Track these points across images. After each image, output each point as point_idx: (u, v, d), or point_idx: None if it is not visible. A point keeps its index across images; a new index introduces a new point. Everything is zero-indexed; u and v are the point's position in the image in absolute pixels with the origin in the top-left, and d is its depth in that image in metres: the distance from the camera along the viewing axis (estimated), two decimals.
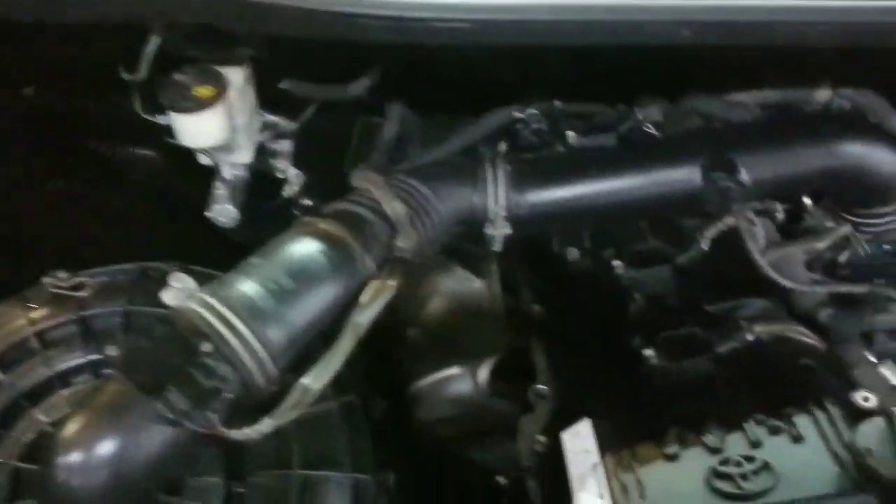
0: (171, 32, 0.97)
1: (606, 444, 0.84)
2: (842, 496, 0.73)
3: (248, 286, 0.75)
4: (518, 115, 1.08)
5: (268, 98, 1.15)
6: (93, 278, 0.97)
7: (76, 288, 0.95)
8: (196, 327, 0.71)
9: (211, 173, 1.16)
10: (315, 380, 0.75)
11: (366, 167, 1.14)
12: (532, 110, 1.08)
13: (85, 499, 0.68)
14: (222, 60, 1.04)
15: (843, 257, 1.00)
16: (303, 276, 0.77)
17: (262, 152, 1.19)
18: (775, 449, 0.78)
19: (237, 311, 0.72)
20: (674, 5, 0.85)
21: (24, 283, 1.07)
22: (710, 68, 1.03)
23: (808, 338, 0.91)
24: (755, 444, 0.79)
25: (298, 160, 1.21)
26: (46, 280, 0.98)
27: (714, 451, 0.79)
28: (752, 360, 0.91)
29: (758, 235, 0.98)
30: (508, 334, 1.12)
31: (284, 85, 1.10)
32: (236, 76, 1.04)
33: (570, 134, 1.06)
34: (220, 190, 1.10)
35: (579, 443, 0.84)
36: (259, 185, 1.22)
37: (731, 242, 0.95)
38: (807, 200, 1.04)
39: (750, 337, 0.91)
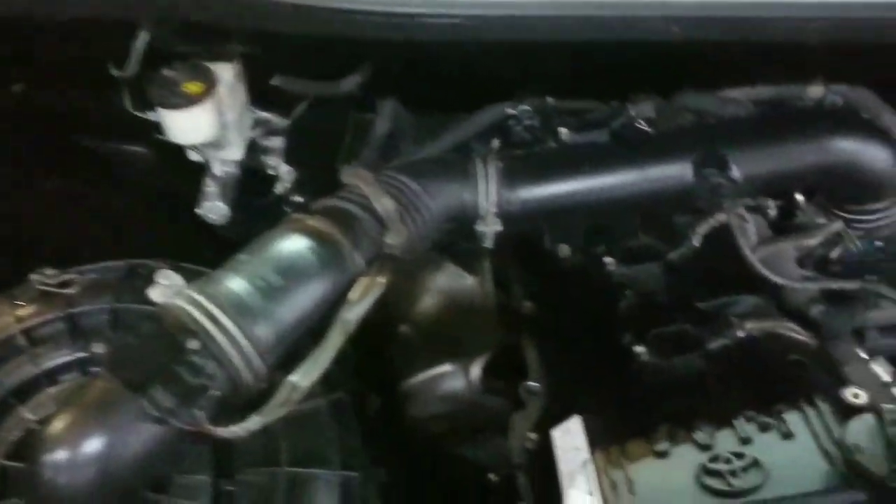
0: (161, 28, 0.97)
1: (597, 440, 0.84)
2: (831, 493, 0.74)
3: (236, 283, 0.74)
4: (510, 111, 1.08)
5: (260, 94, 1.15)
6: (81, 275, 0.97)
7: (64, 285, 0.95)
8: (183, 324, 0.71)
9: (202, 170, 1.16)
10: (303, 377, 0.74)
11: (358, 164, 1.15)
12: (524, 107, 1.08)
13: (71, 497, 0.67)
14: (212, 56, 1.04)
15: (834, 254, 1.00)
16: (291, 273, 0.77)
17: (254, 149, 1.19)
18: (765, 446, 0.78)
19: (225, 308, 0.72)
20: (663, 1, 0.85)
21: (17, 281, 1.06)
22: (702, 65, 1.03)
23: (798, 334, 0.91)
24: (745, 441, 0.79)
25: (290, 157, 1.21)
26: (34, 277, 0.98)
27: (704, 447, 0.79)
28: (743, 357, 0.90)
29: (749, 232, 0.98)
30: (501, 331, 1.12)
31: (276, 81, 1.10)
32: (226, 72, 1.03)
33: (563, 130, 1.07)
34: (210, 187, 1.10)
35: (569, 440, 0.84)
36: (251, 182, 1.22)
37: (723, 239, 0.95)
38: (799, 197, 1.04)
39: (741, 333, 0.91)
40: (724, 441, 0.79)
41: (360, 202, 0.86)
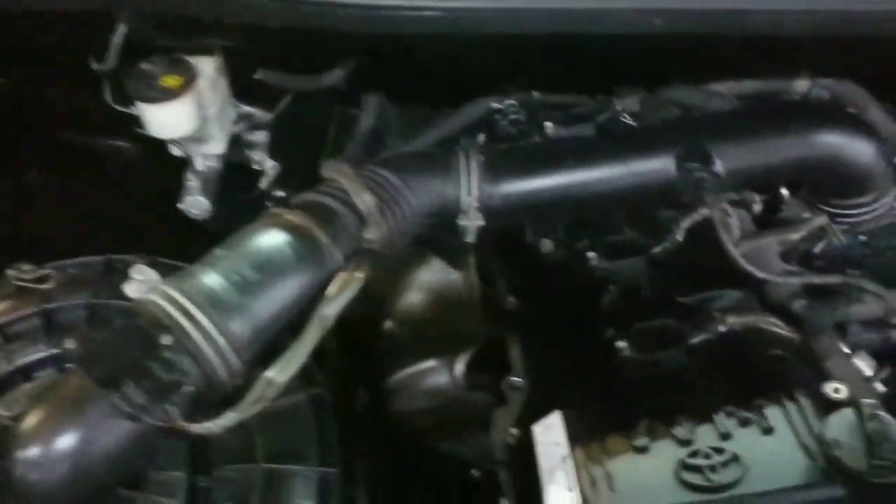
0: (140, 21, 0.96)
1: (578, 436, 0.84)
2: (810, 488, 0.73)
3: (211, 278, 0.74)
4: (496, 105, 1.08)
5: (243, 89, 1.15)
6: (58, 271, 0.96)
7: (40, 280, 0.94)
8: (157, 320, 0.70)
9: (185, 165, 1.16)
10: (279, 373, 0.74)
11: (342, 159, 1.14)
12: (510, 101, 1.08)
13: (44, 493, 0.67)
14: (193, 50, 1.03)
15: (818, 248, 1.00)
16: (268, 268, 0.76)
17: (238, 143, 1.18)
18: (745, 441, 0.78)
19: (199, 303, 0.71)
20: None
21: None
22: (687, 58, 1.03)
23: (780, 329, 0.91)
24: (725, 436, 0.79)
25: (275, 151, 1.20)
26: (10, 272, 0.97)
27: (684, 443, 0.79)
28: (725, 352, 0.90)
29: (732, 226, 0.98)
30: (486, 326, 1.12)
31: (259, 75, 1.10)
32: (207, 66, 1.02)
33: (548, 125, 1.06)
34: (191, 181, 1.09)
35: (550, 435, 0.84)
36: (236, 177, 1.21)
37: (706, 233, 0.94)
38: (784, 191, 1.04)
39: (722, 328, 0.91)
40: (704, 436, 0.79)
41: (340, 197, 0.85)
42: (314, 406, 0.89)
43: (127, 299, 0.74)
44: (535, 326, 1.03)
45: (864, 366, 0.91)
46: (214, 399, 0.74)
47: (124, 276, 0.75)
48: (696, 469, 0.76)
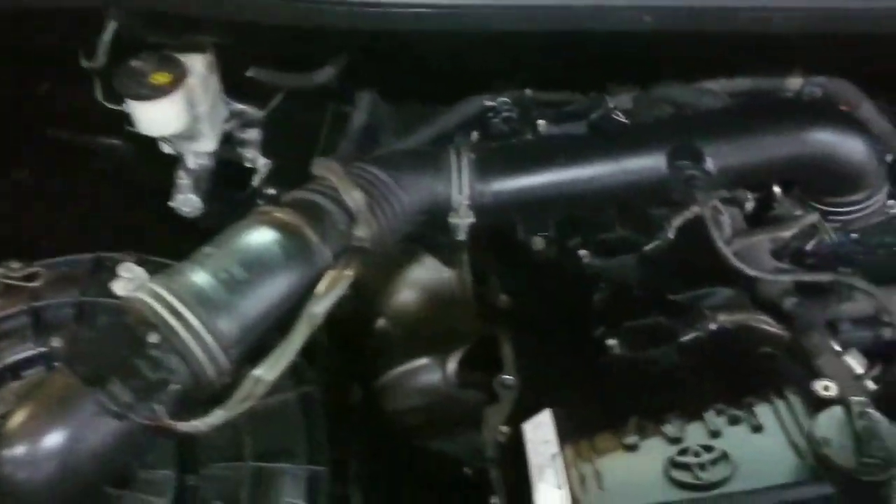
0: (130, 18, 0.96)
1: (569, 434, 0.84)
2: (798, 486, 0.73)
3: (199, 276, 0.74)
4: (489, 103, 1.08)
5: (235, 86, 1.14)
6: (47, 269, 0.95)
7: (29, 278, 0.94)
8: (144, 318, 0.70)
9: (176, 162, 1.15)
10: (268, 371, 0.74)
11: (335, 156, 1.14)
12: (503, 98, 1.07)
13: (31, 492, 0.67)
14: (183, 47, 1.03)
15: (810, 246, 1.00)
16: (256, 266, 0.76)
17: (231, 141, 1.18)
18: (734, 438, 0.78)
19: (186, 301, 0.71)
20: None
21: None
22: (680, 56, 1.03)
23: (771, 326, 0.91)
24: (714, 434, 0.78)
25: (267, 149, 1.20)
26: None
27: (673, 440, 0.78)
28: (715, 350, 0.90)
29: (724, 224, 0.98)
30: (479, 324, 1.12)
31: (251, 73, 1.10)
32: (198, 63, 1.02)
33: (541, 122, 1.06)
34: (183, 179, 1.09)
35: (540, 433, 0.84)
36: (230, 175, 1.21)
37: (698, 231, 0.94)
38: (777, 189, 1.04)
39: (713, 326, 0.91)
40: (694, 434, 0.79)
41: (330, 194, 0.85)
42: (303, 404, 0.89)
43: (116, 297, 0.74)
44: (527, 324, 1.03)
45: (855, 363, 0.91)
46: (202, 397, 0.74)
47: (113, 274, 0.74)
48: (686, 467, 0.76)
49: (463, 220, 0.91)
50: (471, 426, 1.04)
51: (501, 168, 0.93)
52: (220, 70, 1.10)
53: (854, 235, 1.00)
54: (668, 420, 0.80)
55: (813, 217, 0.99)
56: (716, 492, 0.74)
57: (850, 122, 0.97)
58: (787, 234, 0.98)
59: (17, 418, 0.67)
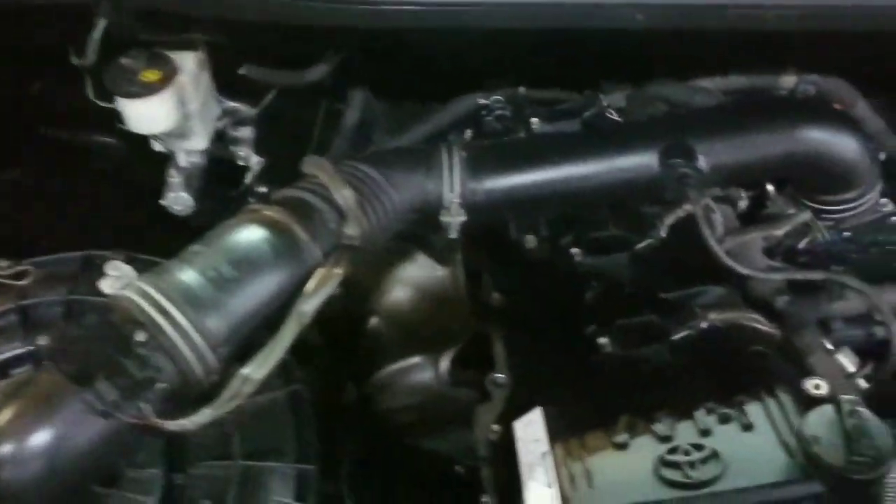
0: (120, 15, 0.95)
1: (560, 432, 0.83)
2: (787, 484, 0.73)
3: (187, 274, 0.73)
4: (483, 101, 1.08)
5: (228, 84, 1.14)
6: (36, 267, 0.95)
7: (17, 276, 0.93)
8: (131, 316, 0.70)
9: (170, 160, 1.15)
10: (256, 369, 0.73)
11: (329, 154, 1.13)
12: (496, 97, 1.07)
13: (18, 491, 0.66)
14: (175, 45, 1.02)
15: (802, 244, 1.00)
16: (245, 265, 0.76)
17: (224, 139, 1.18)
18: (725, 437, 0.78)
19: (174, 299, 0.71)
20: None
21: None
22: (674, 54, 1.03)
23: (763, 325, 0.90)
24: (705, 433, 0.78)
25: (260, 147, 1.19)
26: None
27: (663, 439, 0.78)
28: (706, 348, 0.90)
29: (716, 222, 0.97)
30: (472, 322, 1.12)
31: (243, 71, 1.09)
32: (189, 61, 1.02)
33: (534, 120, 1.06)
34: (174, 178, 1.09)
35: (530, 432, 0.83)
36: (223, 173, 1.21)
37: (690, 229, 0.94)
38: (770, 187, 1.04)
39: (704, 324, 0.90)
40: (684, 433, 0.78)
41: (320, 192, 0.85)
42: (292, 403, 0.89)
43: (104, 296, 0.73)
44: (519, 322, 1.03)
45: (847, 362, 0.91)
46: (191, 396, 0.73)
47: (103, 273, 0.74)
48: (675, 466, 0.76)
49: (454, 219, 0.91)
50: (463, 425, 1.04)
51: (493, 166, 0.92)
52: (213, 68, 1.10)
53: (847, 234, 1.00)
54: (658, 418, 0.80)
55: (805, 215, 0.98)
56: (705, 490, 0.74)
57: (843, 121, 0.97)
58: (779, 232, 0.98)
59: (4, 417, 0.67)
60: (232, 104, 1.14)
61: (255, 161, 1.18)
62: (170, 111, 0.98)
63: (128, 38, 0.99)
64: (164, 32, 1.00)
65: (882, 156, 1.00)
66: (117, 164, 1.31)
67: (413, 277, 1.15)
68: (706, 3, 0.84)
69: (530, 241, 1.04)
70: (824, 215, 0.99)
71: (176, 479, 0.82)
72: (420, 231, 1.07)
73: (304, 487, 0.83)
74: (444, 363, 1.14)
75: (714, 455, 0.76)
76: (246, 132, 1.16)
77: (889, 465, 0.72)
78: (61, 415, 0.66)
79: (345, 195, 0.84)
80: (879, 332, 0.95)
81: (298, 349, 0.84)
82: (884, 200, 0.99)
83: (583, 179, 0.92)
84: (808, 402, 0.78)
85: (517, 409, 0.88)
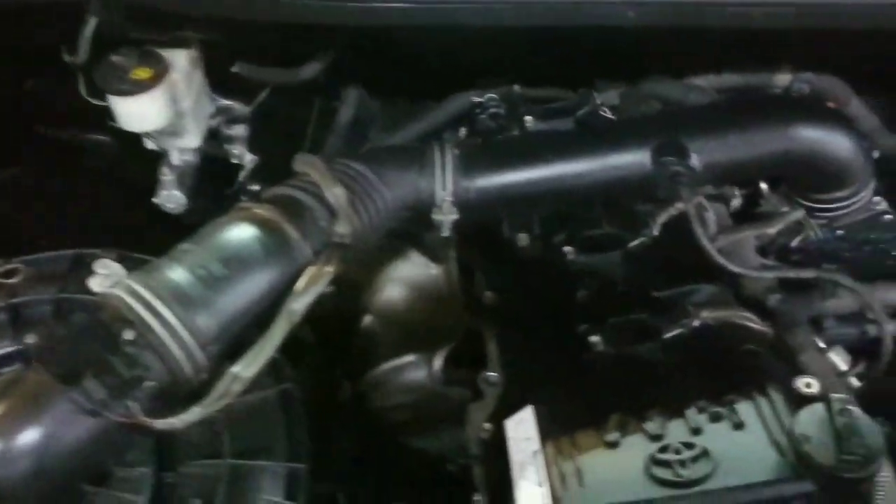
0: (109, 13, 0.95)
1: (552, 431, 0.83)
2: (778, 483, 0.73)
3: (176, 272, 0.73)
4: (477, 99, 1.07)
5: (222, 82, 1.14)
6: (26, 265, 0.95)
7: (7, 275, 0.93)
8: (120, 314, 0.69)
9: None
10: (246, 368, 0.73)
11: (323, 152, 1.13)
12: (491, 95, 1.07)
13: (6, 490, 0.66)
14: (167, 42, 1.02)
15: (795, 242, 1.00)
16: (235, 263, 0.75)
17: (217, 137, 1.18)
18: (716, 436, 0.78)
19: (163, 297, 0.71)
20: None
21: None
22: (669, 52, 1.02)
23: (755, 323, 0.90)
24: (696, 431, 0.78)
25: (254, 145, 1.19)
26: None
27: (654, 438, 0.78)
28: (698, 347, 0.90)
29: (709, 220, 0.97)
30: (466, 320, 1.11)
31: (236, 69, 1.09)
32: (181, 58, 1.02)
33: (528, 119, 1.06)
34: (166, 176, 1.08)
35: (522, 430, 0.83)
36: (218, 171, 1.21)
37: (682, 228, 0.94)
38: (763, 185, 1.04)
39: (696, 323, 0.90)
40: (675, 431, 0.78)
41: (311, 190, 0.84)
42: (283, 402, 0.89)
43: (94, 294, 0.73)
44: (512, 321, 1.02)
45: (840, 360, 0.92)
46: (180, 394, 0.73)
47: (93, 271, 0.74)
48: (666, 464, 0.76)
49: (446, 217, 0.91)
50: (456, 423, 1.04)
51: (486, 164, 0.92)
52: (206, 66, 1.10)
53: (840, 232, 1.00)
54: (649, 417, 0.80)
55: (798, 213, 0.98)
56: (696, 489, 0.74)
57: (836, 119, 0.97)
58: (772, 230, 0.97)
59: None
60: (226, 102, 1.14)
61: (248, 159, 1.18)
62: (161, 109, 0.97)
63: (120, 36, 0.99)
64: (156, 30, 1.00)
65: (876, 154, 1.00)
66: (112, 163, 1.31)
67: (407, 276, 1.15)
68: (696, 1, 0.84)
69: (523, 239, 1.04)
70: (818, 213, 0.99)
71: (166, 477, 0.82)
72: (413, 229, 1.07)
73: (295, 486, 0.83)
74: (438, 362, 1.13)
75: (705, 454, 0.76)
76: (240, 130, 1.16)
77: (879, 464, 0.72)
78: (49, 414, 0.66)
79: (336, 193, 0.84)
80: (872, 330, 0.95)
81: (291, 348, 0.84)
82: (877, 199, 0.99)
83: (575, 177, 0.92)
84: (799, 401, 0.78)
85: (510, 407, 0.88)
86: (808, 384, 0.79)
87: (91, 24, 0.94)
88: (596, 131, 0.99)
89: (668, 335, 0.91)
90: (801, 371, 0.83)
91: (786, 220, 0.97)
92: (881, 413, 0.78)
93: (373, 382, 1.15)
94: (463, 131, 1.08)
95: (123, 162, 1.29)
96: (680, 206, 0.93)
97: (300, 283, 0.79)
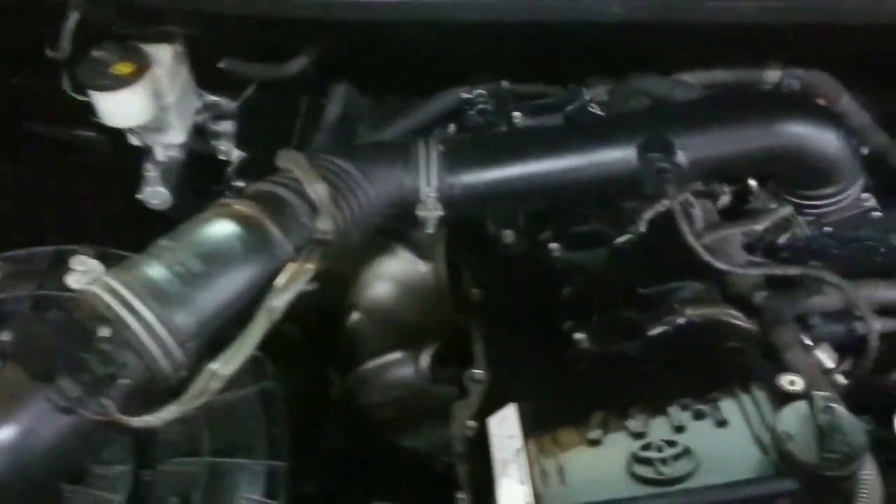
0: (92, 8, 0.94)
1: (536, 429, 0.83)
2: (760, 481, 0.72)
3: (154, 269, 0.73)
4: (466, 96, 1.07)
5: (210, 78, 1.13)
6: (5, 262, 0.94)
7: None
8: (96, 311, 0.69)
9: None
10: (224, 365, 0.72)
11: (311, 148, 1.13)
12: (479, 91, 1.06)
13: None
14: (150, 37, 1.01)
15: (783, 239, 0.99)
16: (213, 260, 0.75)
17: (204, 133, 1.17)
18: (698, 433, 0.77)
19: (140, 294, 0.70)
20: None
21: None
22: (659, 48, 1.02)
23: (740, 321, 0.90)
24: (678, 429, 0.77)
25: (242, 141, 1.18)
26: None
27: (637, 435, 0.78)
28: (683, 344, 0.89)
29: (695, 217, 0.97)
30: (454, 318, 1.11)
31: (223, 64, 1.08)
32: (165, 54, 1.01)
33: (517, 115, 1.05)
34: (150, 172, 1.07)
35: (505, 428, 0.83)
36: (205, 167, 1.20)
37: (669, 224, 0.93)
38: (752, 182, 1.03)
39: (681, 320, 0.90)
40: (658, 429, 0.78)
41: (293, 186, 0.84)
42: (263, 399, 0.88)
43: (74, 291, 0.73)
44: (498, 318, 1.02)
45: (826, 358, 0.91)
46: (159, 391, 0.73)
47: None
48: (648, 462, 0.75)
49: (431, 213, 0.90)
50: (443, 421, 1.04)
51: (471, 160, 0.91)
52: (192, 61, 1.09)
53: (828, 229, 1.00)
54: (632, 415, 0.79)
55: (785, 210, 0.98)
56: (678, 487, 0.74)
57: (824, 115, 0.96)
58: (758, 227, 0.97)
59: None
60: (212, 98, 1.13)
61: (235, 155, 1.17)
62: (143, 104, 0.96)
63: (103, 31, 0.99)
64: (140, 25, 1.00)
65: (865, 150, 1.00)
66: (98, 159, 1.30)
67: (395, 272, 1.14)
68: None
69: (508, 235, 1.03)
70: (806, 210, 0.98)
71: (144, 475, 0.82)
72: (399, 226, 1.06)
73: (275, 484, 0.82)
74: (425, 359, 1.13)
75: (687, 451, 0.75)
76: (227, 126, 1.15)
77: (861, 462, 0.72)
78: (24, 412, 0.65)
79: (317, 189, 0.83)
80: (860, 327, 0.95)
81: (278, 345, 0.84)
82: (865, 195, 0.98)
83: (561, 174, 0.92)
84: (782, 399, 0.77)
85: (495, 404, 0.88)
86: (791, 382, 0.78)
87: (73, 18, 0.93)
88: (582, 127, 0.99)
89: (653, 332, 0.90)
90: (787, 369, 0.82)
91: (773, 216, 0.97)
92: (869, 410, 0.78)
93: (359, 379, 1.15)
94: (452, 127, 1.08)
95: (109, 158, 1.28)
96: (666, 202, 0.92)
97: (280, 280, 0.78)
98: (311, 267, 0.80)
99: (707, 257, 0.88)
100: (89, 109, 1.05)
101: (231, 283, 0.75)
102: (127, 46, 0.96)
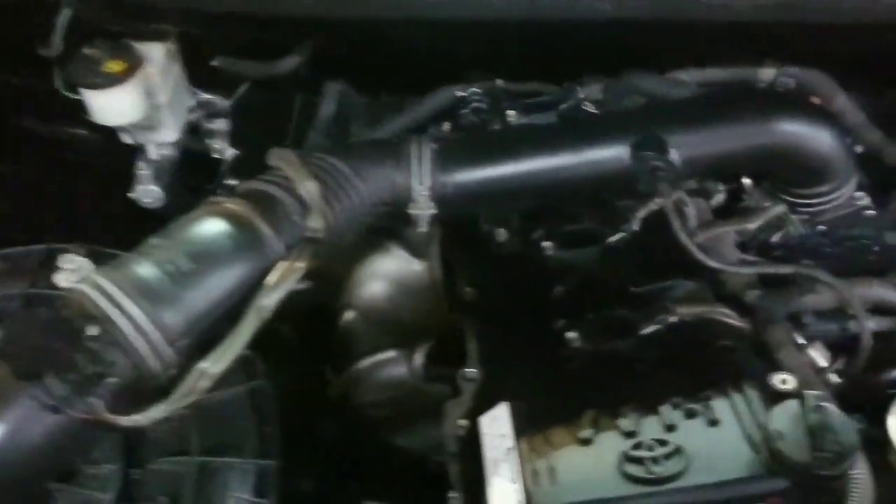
0: (84, 5, 0.94)
1: (527, 428, 0.83)
2: (751, 480, 0.72)
3: (144, 268, 0.72)
4: (460, 94, 1.06)
5: (204, 76, 1.13)
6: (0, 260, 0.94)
7: None
8: (84, 310, 0.69)
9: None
10: (213, 364, 0.72)
11: (305, 147, 1.12)
12: (474, 89, 1.06)
13: None
14: (142, 35, 1.01)
15: (776, 238, 0.99)
16: (203, 258, 0.75)
17: (198, 132, 1.17)
18: (690, 432, 0.77)
19: (129, 292, 0.70)
20: None
21: None
22: (653, 47, 1.01)
23: (732, 319, 0.90)
24: (670, 428, 0.77)
25: (235, 139, 1.18)
26: None
27: (628, 434, 0.77)
28: (675, 343, 0.89)
29: (689, 215, 0.96)
30: (448, 317, 1.11)
31: (216, 62, 1.08)
32: (157, 51, 1.00)
33: (511, 113, 1.05)
34: (143, 170, 1.07)
35: (496, 427, 0.83)
36: (199, 166, 1.20)
37: (662, 223, 0.93)
38: (747, 180, 1.03)
39: (673, 319, 0.90)
40: (650, 428, 0.78)
41: (284, 185, 0.83)
42: (254, 399, 0.88)
43: (63, 290, 0.72)
44: (491, 317, 1.02)
45: (819, 357, 0.91)
46: (149, 390, 0.73)
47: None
48: (639, 461, 0.75)
49: (423, 212, 0.90)
50: (437, 420, 1.04)
51: (463, 159, 0.91)
52: (185, 59, 1.09)
53: (821, 228, 1.00)
54: (623, 414, 0.79)
55: (779, 209, 0.97)
56: (669, 486, 0.73)
57: (818, 114, 0.96)
58: (752, 226, 0.96)
59: None
60: (206, 96, 1.13)
61: (229, 154, 1.17)
62: (135, 102, 0.96)
63: (95, 29, 0.98)
64: (132, 22, 0.99)
65: (859, 149, 1.00)
66: (96, 157, 1.30)
67: (389, 271, 1.14)
68: None
69: (501, 234, 1.03)
70: (799, 209, 0.98)
71: (133, 474, 0.82)
72: (392, 224, 1.06)
73: (265, 484, 0.82)
74: (419, 358, 1.13)
75: (678, 451, 0.75)
76: (220, 124, 1.15)
77: (853, 461, 0.72)
78: (11, 411, 0.65)
79: (308, 188, 0.83)
80: (853, 326, 0.95)
81: (270, 344, 0.83)
82: (859, 194, 0.98)
83: (554, 172, 0.91)
84: (774, 398, 0.77)
85: (488, 403, 0.88)
86: (783, 380, 0.78)
87: (65, 16, 0.93)
88: (575, 125, 0.98)
89: (646, 331, 0.90)
90: (779, 368, 0.82)
91: (766, 215, 0.96)
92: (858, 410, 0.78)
93: (353, 378, 1.15)
94: (447, 126, 1.08)
95: (104, 157, 1.28)
96: (659, 201, 0.92)
97: (271, 279, 0.78)
98: (301, 265, 0.80)
99: (700, 256, 0.88)
100: (83, 108, 1.05)
101: (221, 282, 0.75)
102: (118, 44, 0.96)
